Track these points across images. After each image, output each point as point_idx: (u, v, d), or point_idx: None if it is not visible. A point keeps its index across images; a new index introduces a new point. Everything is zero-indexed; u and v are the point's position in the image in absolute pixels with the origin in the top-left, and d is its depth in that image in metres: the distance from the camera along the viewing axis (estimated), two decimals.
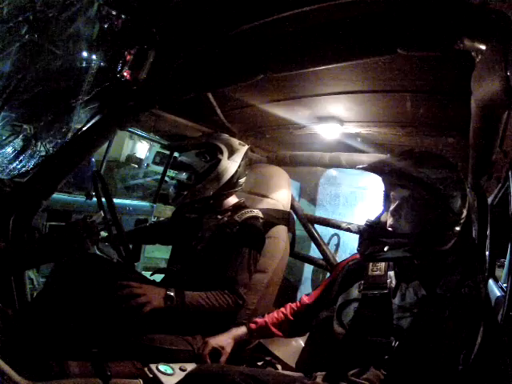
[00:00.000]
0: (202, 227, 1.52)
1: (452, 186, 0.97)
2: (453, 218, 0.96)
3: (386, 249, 0.97)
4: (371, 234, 1.01)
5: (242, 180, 1.57)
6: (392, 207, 1.03)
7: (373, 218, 1.08)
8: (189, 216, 1.62)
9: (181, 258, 1.50)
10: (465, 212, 0.98)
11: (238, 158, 1.52)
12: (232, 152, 1.51)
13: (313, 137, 1.63)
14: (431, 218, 0.97)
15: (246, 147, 1.59)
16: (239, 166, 1.52)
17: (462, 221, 0.98)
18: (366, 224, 1.05)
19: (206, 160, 1.49)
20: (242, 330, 1.25)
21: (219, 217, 1.50)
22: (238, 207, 1.52)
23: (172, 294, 1.20)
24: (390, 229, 1.01)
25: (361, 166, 1.07)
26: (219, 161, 1.48)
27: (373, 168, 1.06)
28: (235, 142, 1.56)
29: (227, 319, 1.35)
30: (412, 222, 0.99)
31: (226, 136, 1.57)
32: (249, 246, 1.38)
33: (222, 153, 1.49)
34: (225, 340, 1.21)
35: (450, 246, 0.97)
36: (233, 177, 1.50)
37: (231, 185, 1.51)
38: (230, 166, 1.50)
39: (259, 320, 1.26)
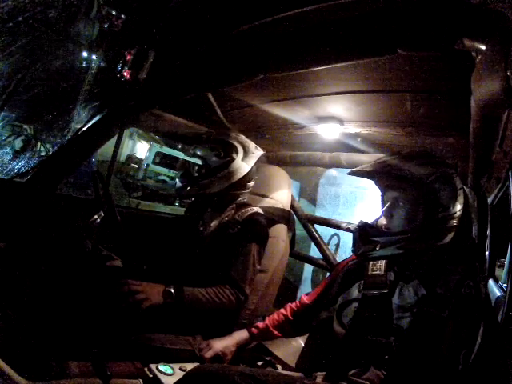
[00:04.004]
0: (203, 226, 1.52)
1: (440, 180, 0.99)
2: (444, 212, 0.97)
3: (378, 247, 0.99)
4: (363, 233, 1.04)
5: (251, 184, 1.57)
6: (384, 208, 1.06)
7: (366, 219, 1.11)
8: (190, 214, 1.62)
9: (182, 258, 1.50)
10: (458, 206, 1.00)
11: (251, 161, 1.53)
12: (246, 154, 1.52)
13: (313, 137, 1.63)
14: (421, 214, 0.98)
15: (261, 152, 1.60)
16: (251, 169, 1.53)
17: (455, 215, 0.99)
18: (357, 225, 1.08)
19: (219, 156, 1.49)
20: (244, 334, 1.25)
21: (221, 216, 1.50)
22: (241, 205, 1.52)
23: (171, 290, 1.20)
24: (384, 229, 1.03)
25: (351, 171, 1.11)
26: (233, 160, 1.48)
27: (363, 173, 1.11)
28: (252, 144, 1.57)
29: (228, 319, 1.35)
30: (403, 219, 1.01)
31: (243, 137, 1.58)
32: (254, 241, 1.38)
33: (237, 152, 1.50)
34: (228, 348, 1.20)
35: (447, 241, 0.97)
36: (243, 178, 1.50)
37: (239, 186, 1.51)
38: (242, 167, 1.50)
39: (260, 324, 1.26)
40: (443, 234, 0.98)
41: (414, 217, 1.00)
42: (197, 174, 1.57)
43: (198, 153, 1.55)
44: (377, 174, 1.08)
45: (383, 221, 1.05)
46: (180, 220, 1.90)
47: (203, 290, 1.25)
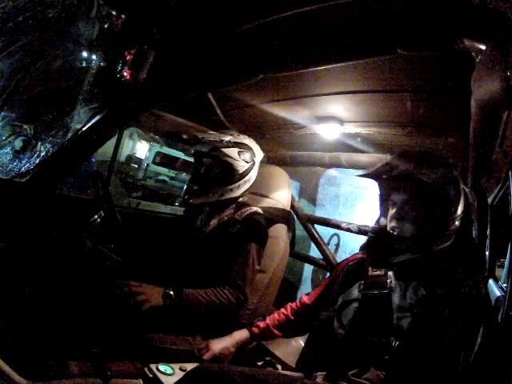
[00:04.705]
0: (202, 226, 1.52)
1: (449, 182, 0.99)
2: (452, 213, 0.97)
3: (397, 253, 1.00)
4: (381, 242, 1.03)
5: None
6: (394, 211, 1.04)
7: (375, 225, 1.10)
8: (189, 214, 1.62)
9: (182, 257, 1.50)
10: (461, 207, 1.00)
11: (259, 163, 1.57)
12: (258, 157, 1.56)
13: (313, 137, 1.63)
14: (433, 217, 0.98)
15: (262, 154, 1.62)
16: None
17: (459, 216, 0.99)
18: (372, 234, 1.07)
19: (246, 160, 1.50)
20: (245, 334, 1.23)
21: (220, 215, 1.50)
22: (241, 205, 1.52)
23: (171, 292, 1.20)
24: (394, 233, 1.02)
25: (361, 174, 1.10)
26: (254, 163, 1.52)
27: (374, 174, 1.08)
28: (258, 146, 1.59)
29: (228, 319, 1.34)
30: (416, 223, 1.00)
31: (252, 139, 1.59)
32: (253, 241, 1.38)
33: (255, 156, 1.53)
34: (227, 349, 1.19)
35: (449, 242, 0.98)
36: (254, 180, 1.55)
37: (249, 187, 1.55)
38: (256, 169, 1.54)
39: (261, 324, 1.25)
40: (449, 234, 0.98)
41: (427, 219, 0.99)
42: (204, 179, 1.51)
43: (222, 157, 1.46)
44: (391, 177, 1.05)
45: (392, 223, 1.03)
46: (180, 220, 1.90)
47: (203, 291, 1.25)
